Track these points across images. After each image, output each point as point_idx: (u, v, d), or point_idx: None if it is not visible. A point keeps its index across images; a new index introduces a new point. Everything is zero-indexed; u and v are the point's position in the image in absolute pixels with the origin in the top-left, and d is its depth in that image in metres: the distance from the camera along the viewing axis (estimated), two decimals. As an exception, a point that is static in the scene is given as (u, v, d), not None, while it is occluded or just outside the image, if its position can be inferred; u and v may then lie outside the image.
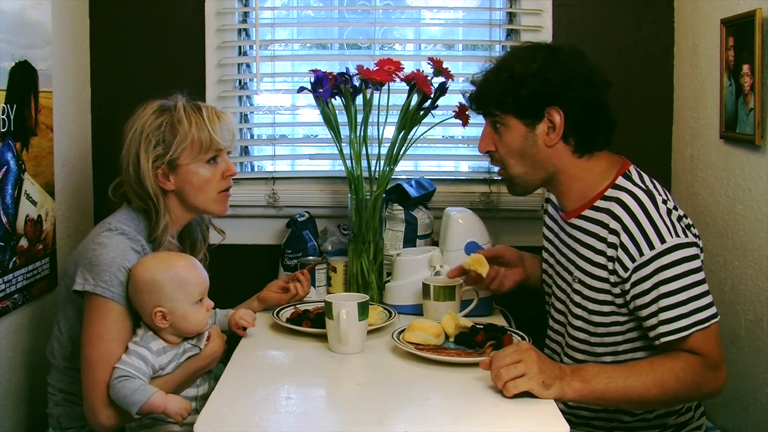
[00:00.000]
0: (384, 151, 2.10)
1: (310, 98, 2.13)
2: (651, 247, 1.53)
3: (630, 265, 1.55)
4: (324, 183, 2.44)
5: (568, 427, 1.34)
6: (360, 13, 2.51)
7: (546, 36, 2.37)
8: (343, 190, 2.35)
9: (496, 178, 2.37)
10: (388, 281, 2.09)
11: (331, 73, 2.06)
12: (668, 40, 2.36)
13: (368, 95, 2.05)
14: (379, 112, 2.07)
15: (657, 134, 2.39)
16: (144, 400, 1.49)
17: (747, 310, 1.90)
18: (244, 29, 2.46)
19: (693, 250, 1.54)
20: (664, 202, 1.59)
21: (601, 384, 1.47)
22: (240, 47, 2.46)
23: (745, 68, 1.83)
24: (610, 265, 1.59)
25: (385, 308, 1.92)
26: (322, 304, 1.78)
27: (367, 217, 2.08)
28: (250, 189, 2.41)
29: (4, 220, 1.79)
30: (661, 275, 1.52)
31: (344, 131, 2.12)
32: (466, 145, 2.52)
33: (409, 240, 2.17)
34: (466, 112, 2.07)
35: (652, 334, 1.56)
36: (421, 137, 2.16)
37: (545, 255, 1.87)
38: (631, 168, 1.69)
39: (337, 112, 2.10)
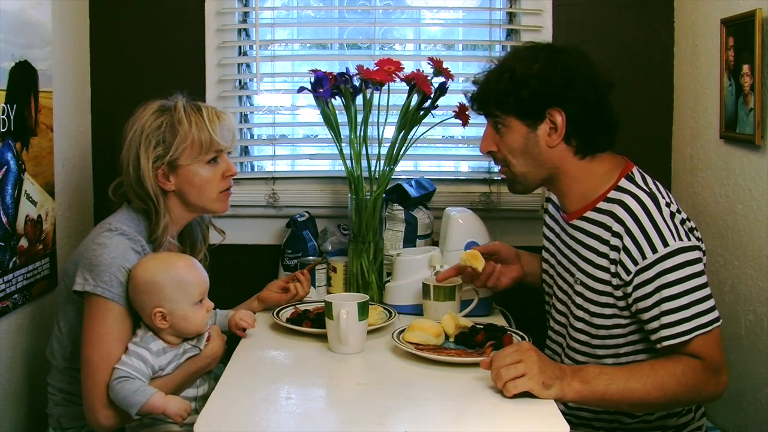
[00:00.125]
0: (384, 151, 2.10)
1: (310, 98, 2.14)
2: (654, 250, 1.52)
3: (632, 269, 1.54)
4: (324, 183, 2.44)
5: (568, 427, 1.34)
6: (360, 13, 2.51)
7: (546, 36, 2.36)
8: (343, 190, 2.35)
9: (496, 178, 2.37)
10: (388, 281, 2.09)
11: (331, 73, 2.06)
12: (668, 40, 2.36)
13: (368, 95, 2.05)
14: (379, 112, 2.07)
15: (657, 134, 2.39)
16: (143, 401, 1.49)
17: (747, 310, 1.90)
18: (244, 29, 2.46)
19: (696, 254, 1.54)
20: (668, 205, 1.58)
21: (602, 385, 1.47)
22: (240, 47, 2.45)
23: (745, 68, 1.83)
24: (612, 268, 1.58)
25: (385, 308, 1.92)
26: (322, 304, 1.78)
27: (367, 217, 2.08)
28: (250, 189, 2.40)
29: (4, 220, 1.79)
30: (663, 279, 1.52)
31: (344, 131, 2.11)
32: (466, 145, 2.52)
33: (409, 240, 2.17)
34: (466, 112, 2.07)
35: (653, 337, 1.55)
36: (421, 137, 2.16)
37: (546, 255, 1.86)
38: (634, 169, 1.68)
39: (337, 112, 2.10)
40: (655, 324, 1.54)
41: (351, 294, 1.94)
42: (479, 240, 2.00)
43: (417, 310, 1.97)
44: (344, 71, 2.06)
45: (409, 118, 2.06)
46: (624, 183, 1.64)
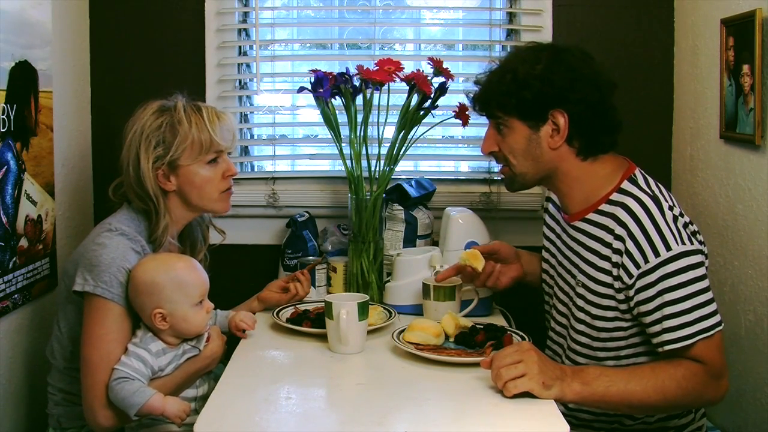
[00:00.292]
0: (384, 151, 2.10)
1: (310, 98, 2.13)
2: (656, 254, 1.52)
3: (635, 272, 1.54)
4: (324, 183, 2.44)
5: (568, 427, 1.34)
6: (360, 13, 2.51)
7: (546, 36, 2.36)
8: (343, 190, 2.35)
9: (496, 178, 2.37)
10: (388, 281, 2.09)
11: (331, 73, 2.06)
12: (668, 40, 2.36)
13: (368, 95, 2.05)
14: (379, 112, 2.07)
15: (657, 134, 2.39)
16: (143, 402, 1.49)
17: (747, 311, 1.90)
18: (244, 29, 2.46)
19: (698, 258, 1.54)
20: (671, 208, 1.57)
21: (602, 387, 1.47)
22: (240, 47, 2.45)
23: (745, 68, 1.83)
24: (614, 271, 1.58)
25: (385, 308, 1.92)
26: (322, 304, 1.77)
27: (367, 217, 2.08)
28: (250, 189, 2.40)
29: (4, 220, 1.79)
30: (665, 283, 1.51)
31: (344, 131, 2.11)
32: (466, 145, 2.52)
33: (409, 240, 2.17)
34: (466, 112, 2.07)
35: (655, 341, 1.55)
36: (421, 137, 2.16)
37: (546, 255, 1.86)
38: (637, 171, 1.67)
39: (337, 112, 2.10)
40: (656, 328, 1.53)
41: (351, 294, 1.94)
42: (479, 240, 2.00)
43: (417, 310, 1.97)
44: (344, 71, 2.06)
45: (409, 118, 2.06)
46: (626, 185, 1.63)
